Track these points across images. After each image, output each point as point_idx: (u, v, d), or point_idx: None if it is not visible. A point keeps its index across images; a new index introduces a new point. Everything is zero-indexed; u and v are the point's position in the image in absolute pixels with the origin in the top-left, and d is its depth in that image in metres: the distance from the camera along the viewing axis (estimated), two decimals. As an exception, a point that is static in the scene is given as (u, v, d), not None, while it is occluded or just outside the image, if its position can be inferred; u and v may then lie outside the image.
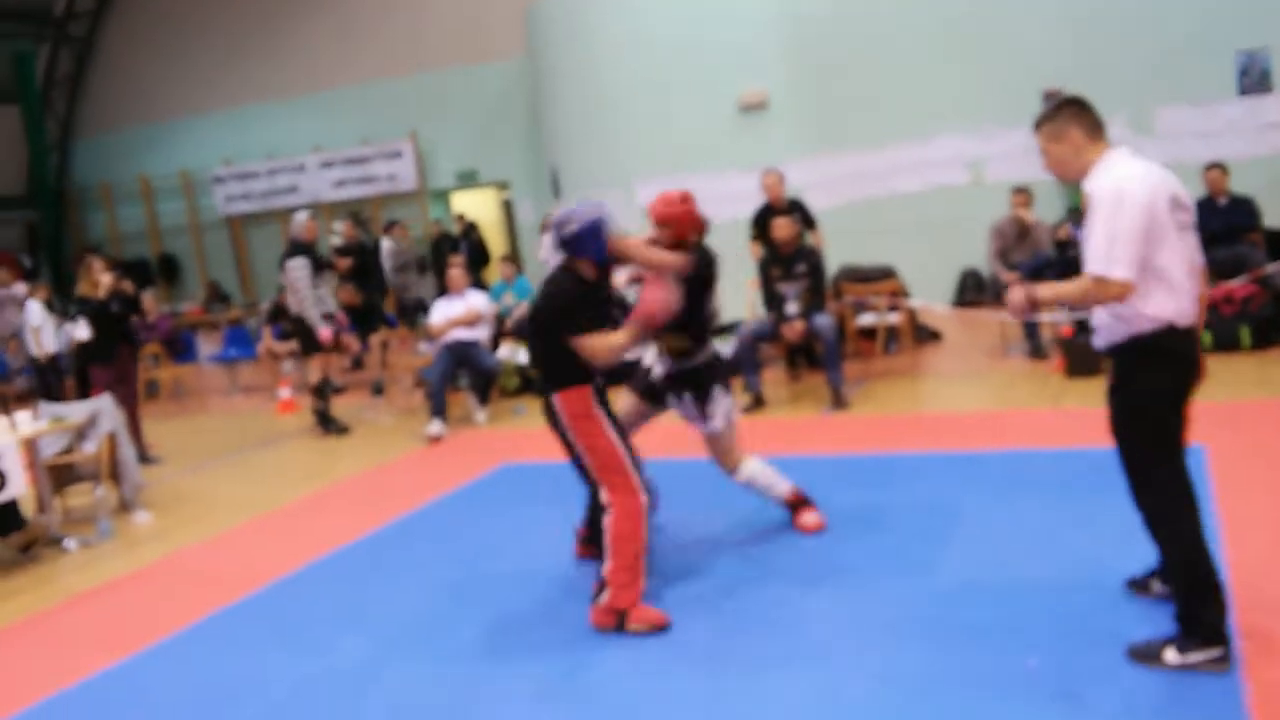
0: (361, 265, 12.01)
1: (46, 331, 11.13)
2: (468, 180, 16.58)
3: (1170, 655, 3.32)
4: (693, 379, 4.87)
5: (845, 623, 4.04)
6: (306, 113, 17.24)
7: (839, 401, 7.78)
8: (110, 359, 8.65)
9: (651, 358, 5.03)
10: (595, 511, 4.60)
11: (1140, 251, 3.18)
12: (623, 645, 4.10)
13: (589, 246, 4.32)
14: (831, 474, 4.67)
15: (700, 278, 4.75)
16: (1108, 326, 3.36)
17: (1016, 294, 3.42)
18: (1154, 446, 3.34)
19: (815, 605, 4.24)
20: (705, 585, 4.58)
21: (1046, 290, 3.41)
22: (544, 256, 8.04)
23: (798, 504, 5.13)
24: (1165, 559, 3.39)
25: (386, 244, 13.14)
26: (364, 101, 16.82)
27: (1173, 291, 3.23)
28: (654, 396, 5.02)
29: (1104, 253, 3.19)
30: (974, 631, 3.83)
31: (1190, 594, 3.31)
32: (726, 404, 4.90)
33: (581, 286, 4.33)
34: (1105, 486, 5.25)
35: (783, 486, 5.09)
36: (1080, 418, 6.77)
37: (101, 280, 8.64)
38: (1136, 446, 3.39)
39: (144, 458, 8.55)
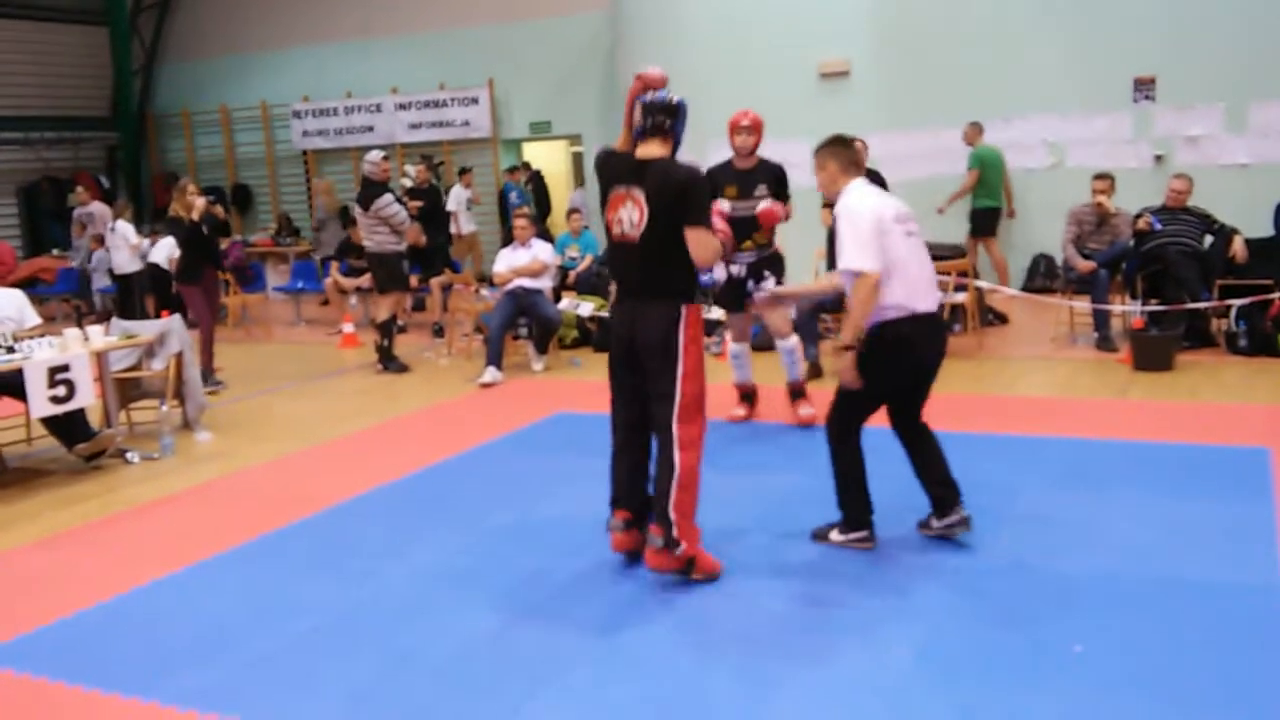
0: (431, 208, 12.11)
1: (150, 250, 11.40)
2: (540, 131, 16.58)
3: (834, 535, 4.48)
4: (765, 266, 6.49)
5: (889, 594, 4.02)
6: (386, 54, 17.29)
7: (898, 377, 7.72)
8: (198, 280, 8.86)
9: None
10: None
11: (880, 247, 4.02)
12: (659, 598, 4.12)
13: (682, 127, 4.20)
14: (884, 447, 4.61)
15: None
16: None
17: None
18: (846, 390, 4.30)
19: (859, 576, 4.23)
20: (749, 552, 4.59)
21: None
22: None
23: (799, 392, 6.60)
24: (833, 470, 4.40)
25: (458, 190, 13.25)
26: (444, 47, 16.82)
27: (905, 282, 4.11)
28: (736, 298, 6.42)
29: (855, 252, 4.02)
30: (1016, 613, 3.80)
31: (844, 494, 4.40)
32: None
33: None
34: (1164, 480, 5.21)
35: (800, 368, 6.61)
36: (1145, 410, 6.64)
37: (195, 203, 8.81)
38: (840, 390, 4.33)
39: (209, 379, 8.72)
